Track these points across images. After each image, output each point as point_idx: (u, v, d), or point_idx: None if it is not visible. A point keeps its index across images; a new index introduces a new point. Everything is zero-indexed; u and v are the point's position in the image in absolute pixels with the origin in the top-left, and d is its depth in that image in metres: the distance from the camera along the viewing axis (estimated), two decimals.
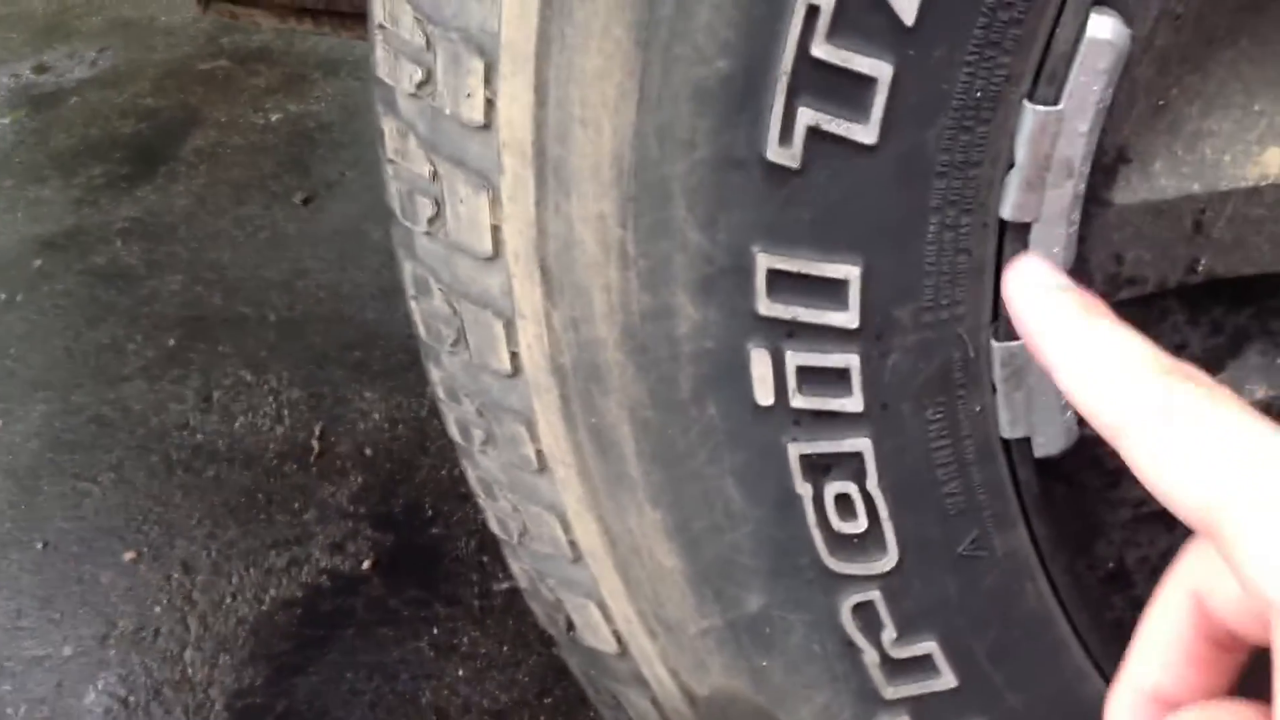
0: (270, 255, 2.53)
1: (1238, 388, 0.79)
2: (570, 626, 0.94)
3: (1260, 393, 0.78)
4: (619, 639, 0.90)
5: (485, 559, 1.93)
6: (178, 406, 2.18)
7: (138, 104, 3.04)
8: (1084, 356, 0.45)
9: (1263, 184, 0.71)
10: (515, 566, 0.95)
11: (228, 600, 1.87)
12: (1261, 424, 0.41)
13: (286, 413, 2.18)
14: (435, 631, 1.81)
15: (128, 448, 2.11)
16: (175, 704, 1.73)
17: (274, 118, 2.96)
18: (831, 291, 0.71)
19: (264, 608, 1.85)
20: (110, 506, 2.01)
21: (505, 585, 1.88)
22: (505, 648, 1.80)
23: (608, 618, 0.89)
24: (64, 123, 2.98)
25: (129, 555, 1.94)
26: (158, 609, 1.86)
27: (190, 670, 1.77)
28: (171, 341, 2.32)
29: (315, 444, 2.11)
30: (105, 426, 2.15)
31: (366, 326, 2.34)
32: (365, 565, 1.91)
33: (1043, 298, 0.47)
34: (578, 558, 0.87)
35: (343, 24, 1.62)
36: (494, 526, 0.94)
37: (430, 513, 1.99)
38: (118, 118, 2.99)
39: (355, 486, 2.04)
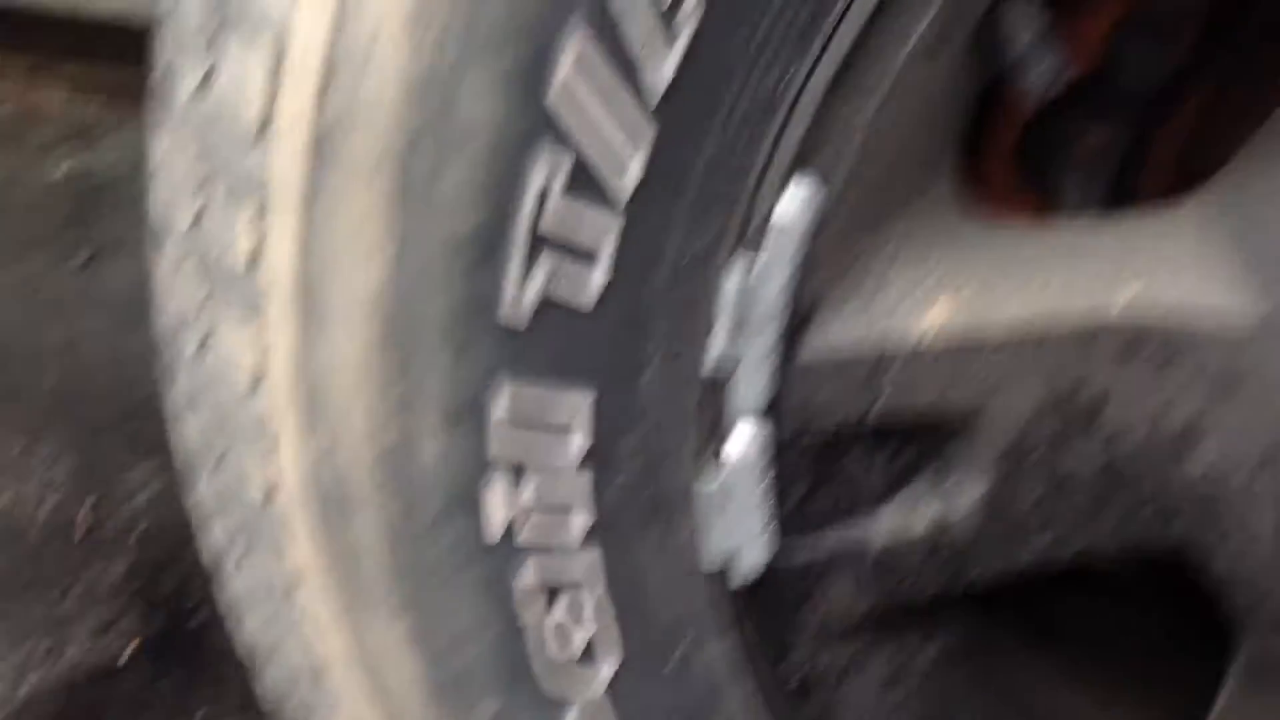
0: (48, 318, 2.41)
1: (910, 513, 0.91)
2: None
3: (928, 517, 0.90)
4: None
5: None
6: None
7: None
8: None
9: (930, 334, 0.83)
10: (266, 677, 0.98)
11: None
12: None
13: (56, 487, 2.08)
14: None
15: None
16: None
17: (60, 171, 2.81)
18: (560, 428, 0.79)
19: (20, 695, 1.76)
20: None
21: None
22: None
23: None
24: None
25: None
26: None
27: None
28: None
29: (84, 520, 2.02)
30: None
31: (145, 396, 2.24)
32: (129, 651, 1.84)
33: None
34: (325, 670, 0.91)
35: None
36: (243, 645, 0.97)
37: (198, 596, 1.93)
38: None
39: (123, 567, 1.95)
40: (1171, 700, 1.15)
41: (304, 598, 0.87)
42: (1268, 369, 0.82)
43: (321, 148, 0.71)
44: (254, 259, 0.76)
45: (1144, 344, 0.83)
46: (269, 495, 0.84)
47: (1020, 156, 0.98)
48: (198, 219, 0.77)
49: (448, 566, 0.84)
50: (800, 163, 0.74)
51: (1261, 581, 0.90)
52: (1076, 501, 0.90)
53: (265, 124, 0.71)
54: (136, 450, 2.14)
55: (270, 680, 0.95)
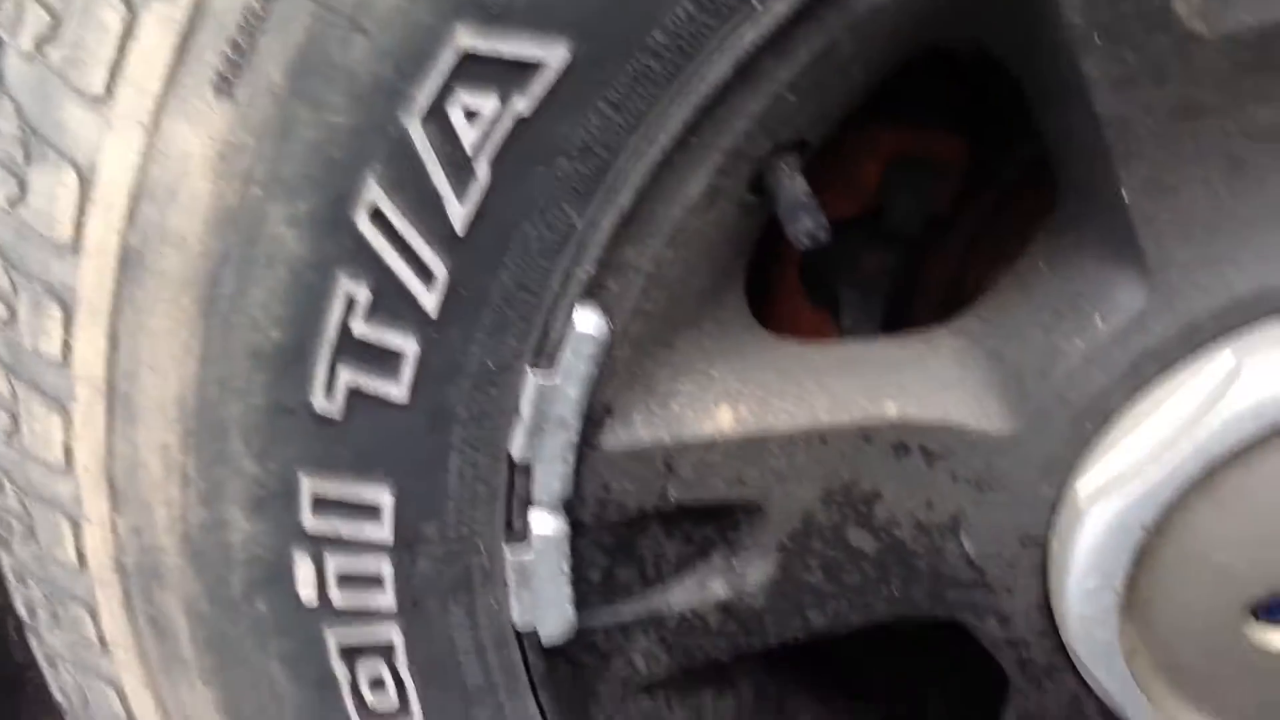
0: None
1: (704, 587, 0.97)
2: None
3: (720, 591, 0.97)
4: None
5: None
6: None
7: None
8: None
9: (717, 436, 0.89)
10: None
11: None
12: None
13: None
14: None
15: None
16: None
17: None
18: (368, 512, 0.84)
19: None
20: None
21: None
22: None
23: None
24: None
25: None
26: None
27: None
28: None
29: None
30: None
31: None
32: None
33: None
34: None
35: None
36: (57, 694, 1.00)
37: (15, 636, 1.93)
38: None
39: None
40: None
41: (113, 662, 0.91)
42: (1017, 474, 0.89)
43: (128, 267, 0.74)
44: (64, 359, 0.79)
45: (910, 449, 0.90)
46: (80, 566, 0.88)
47: (804, 277, 1.05)
48: (10, 318, 0.79)
49: (257, 635, 0.88)
50: (589, 294, 0.79)
51: (1023, 647, 0.98)
52: (856, 580, 0.97)
53: (74, 242, 0.74)
54: None
55: None
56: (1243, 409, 0.81)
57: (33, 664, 1.90)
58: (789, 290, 1.06)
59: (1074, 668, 0.97)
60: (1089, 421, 0.86)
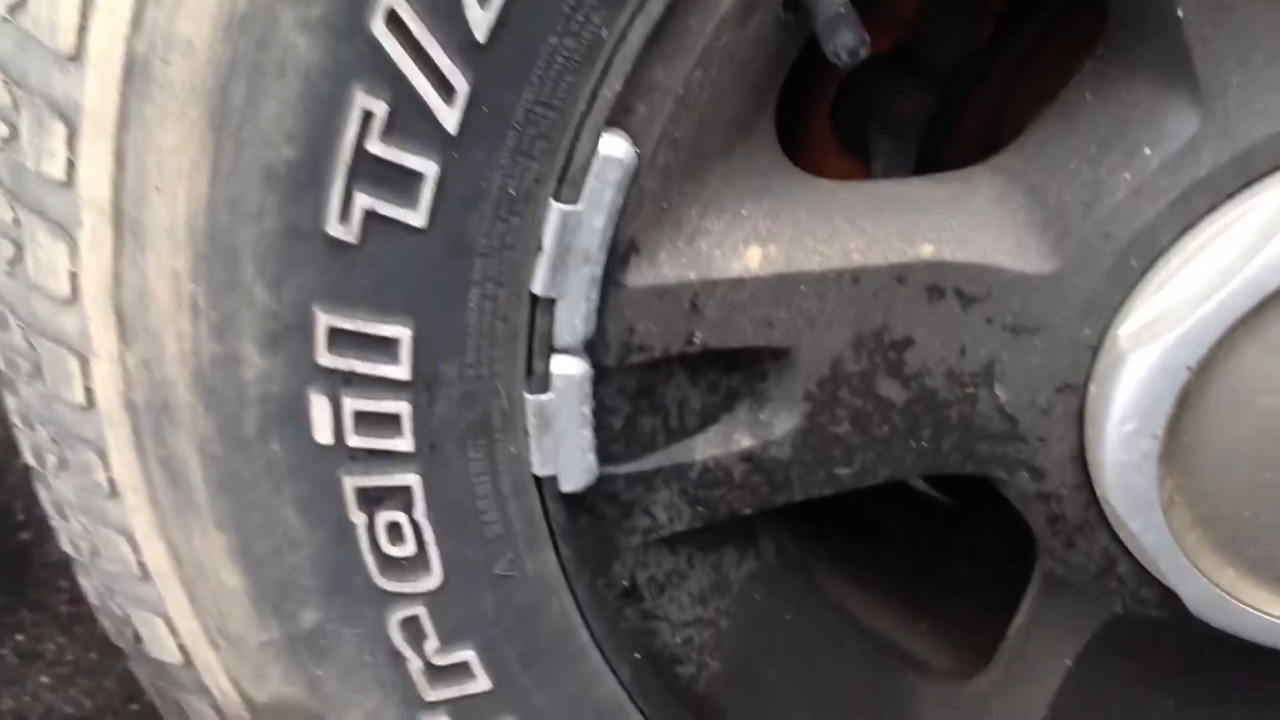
0: None
1: (728, 438, 0.95)
2: (138, 639, 0.99)
3: (745, 442, 0.94)
4: (184, 651, 0.96)
5: None
6: None
7: None
8: None
9: (745, 275, 0.86)
10: (86, 583, 0.99)
11: None
12: None
13: None
14: (20, 638, 1.76)
15: None
16: None
17: None
18: (386, 348, 0.81)
19: None
20: None
21: None
22: (93, 654, 1.78)
23: (173, 632, 0.95)
24: None
25: None
26: None
27: None
28: None
29: None
30: None
31: None
32: None
33: None
34: (145, 576, 0.93)
35: None
36: (66, 546, 0.98)
37: (22, 516, 1.93)
38: None
39: None
40: (979, 608, 1.22)
41: (124, 508, 0.89)
42: (1056, 317, 0.86)
43: (134, 77, 0.70)
44: (68, 180, 0.76)
45: (945, 292, 0.87)
46: (88, 405, 0.85)
47: (835, 121, 1.01)
48: (12, 136, 0.76)
49: (272, 478, 0.86)
50: (617, 117, 0.75)
51: (1055, 502, 0.96)
52: (884, 432, 0.94)
53: (77, 51, 0.70)
54: None
55: (91, 581, 0.97)
56: None
57: (39, 540, 1.89)
58: (819, 136, 1.03)
59: (1107, 524, 0.94)
60: (1135, 258, 0.83)
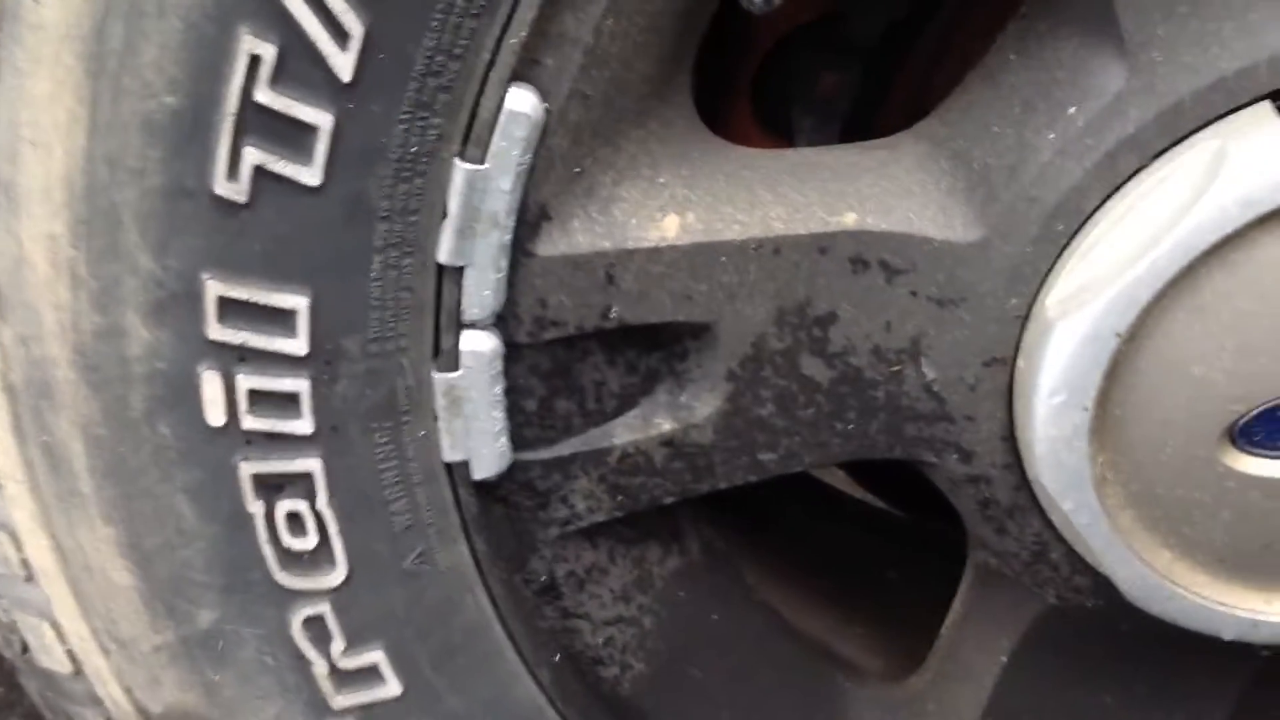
0: None
1: (648, 421, 0.91)
2: (25, 648, 0.93)
3: (666, 426, 0.91)
4: (73, 658, 0.90)
5: None
6: None
7: None
8: None
9: (662, 244, 0.83)
10: None
11: None
12: None
13: None
14: None
15: None
16: None
17: None
18: (281, 320, 0.77)
19: None
20: None
21: None
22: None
23: (61, 637, 0.90)
24: None
25: None
26: None
27: None
28: None
29: None
30: None
31: None
32: None
33: None
34: (30, 576, 0.87)
35: None
36: None
37: None
38: None
39: None
40: (910, 609, 1.19)
41: (4, 500, 0.83)
42: (983, 287, 0.84)
43: (3, 21, 0.66)
44: None
45: (869, 263, 0.84)
46: None
47: (756, 102, 0.99)
48: None
49: (161, 464, 0.81)
50: (523, 70, 0.72)
51: (984, 485, 0.93)
52: (809, 414, 0.91)
53: None
54: None
55: None
56: (1229, 197, 0.76)
57: None
58: (739, 117, 1.00)
59: (1039, 507, 0.91)
60: (1061, 223, 0.81)
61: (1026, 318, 0.84)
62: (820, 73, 0.99)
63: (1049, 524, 0.92)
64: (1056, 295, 0.82)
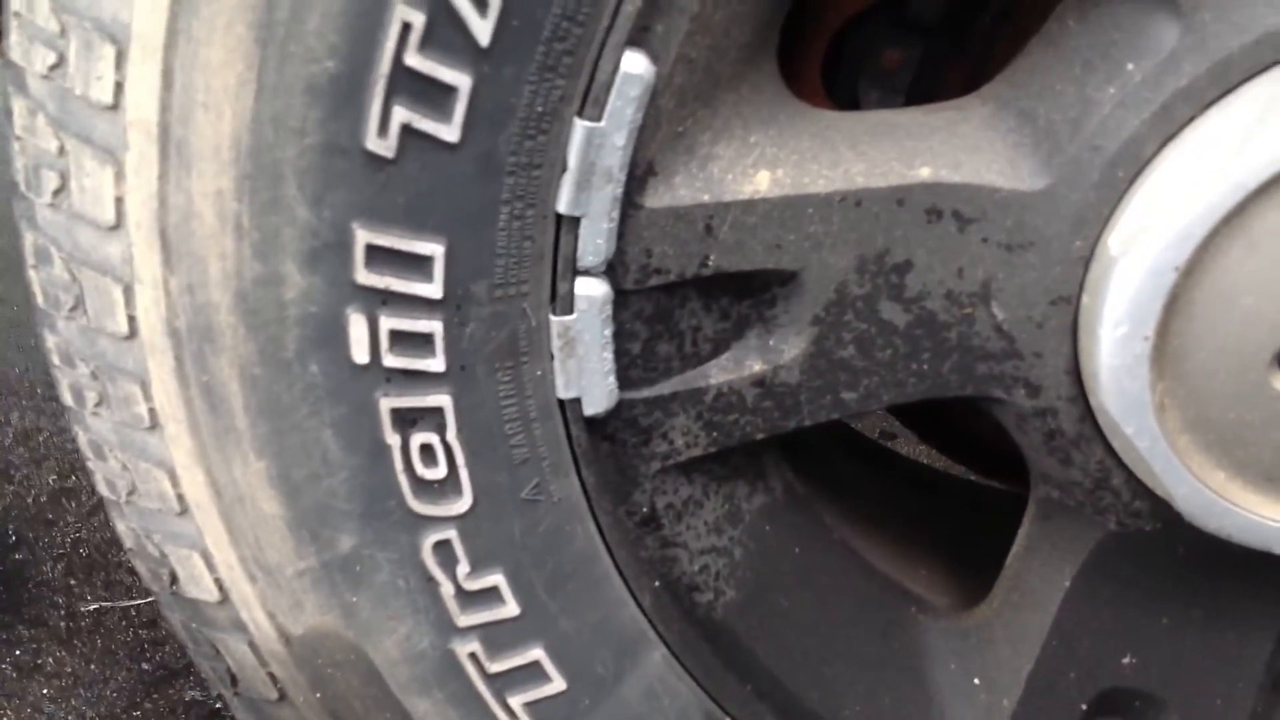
0: None
1: (740, 363, 0.99)
2: (174, 580, 1.02)
3: (756, 367, 0.99)
4: (220, 586, 0.99)
5: (73, 581, 1.90)
6: None
7: None
8: None
9: (755, 198, 0.91)
10: (121, 526, 1.02)
11: None
12: None
13: None
14: (18, 653, 1.77)
15: None
16: None
17: None
18: (420, 265, 0.85)
19: None
20: None
21: (94, 606, 1.86)
22: (92, 665, 1.79)
23: (211, 567, 0.98)
24: None
25: None
26: None
27: None
28: None
29: None
30: None
31: None
32: None
33: None
34: (184, 510, 0.96)
35: None
36: (102, 488, 1.01)
37: (14, 538, 1.95)
38: None
39: None
40: (966, 558, 1.27)
41: (164, 440, 0.92)
42: (1049, 231, 0.92)
43: None
44: (115, 103, 0.80)
45: (942, 213, 0.92)
46: (130, 334, 0.89)
47: (826, 77, 1.07)
48: (59, 63, 0.80)
49: (310, 400, 0.89)
50: (637, 35, 0.80)
51: (1051, 417, 1.00)
52: (887, 355, 0.99)
53: None
54: None
55: (127, 523, 1.00)
56: (1275, 141, 0.83)
57: (34, 560, 1.89)
58: (810, 89, 1.08)
59: (1102, 435, 0.99)
60: (1122, 169, 0.88)
61: (1090, 258, 0.92)
62: (885, 49, 1.07)
63: (1111, 451, 0.99)
64: (1118, 236, 0.90)
